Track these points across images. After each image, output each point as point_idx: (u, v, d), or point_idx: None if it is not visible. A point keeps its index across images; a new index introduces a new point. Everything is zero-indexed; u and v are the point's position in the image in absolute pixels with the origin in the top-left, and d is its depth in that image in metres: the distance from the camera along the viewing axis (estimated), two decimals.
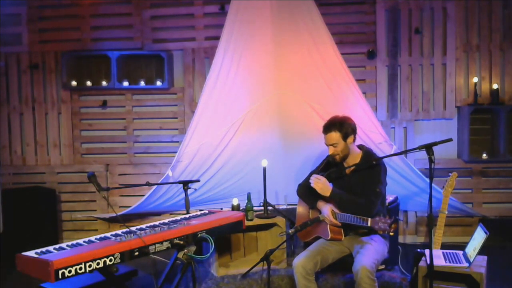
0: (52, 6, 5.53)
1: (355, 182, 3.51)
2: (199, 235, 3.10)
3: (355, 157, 3.56)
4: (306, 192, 3.69)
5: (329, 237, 3.47)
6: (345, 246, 3.54)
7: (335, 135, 3.48)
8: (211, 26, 5.38)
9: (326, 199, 3.52)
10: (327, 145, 3.54)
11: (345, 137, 3.49)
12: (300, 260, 3.35)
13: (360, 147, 3.65)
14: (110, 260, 2.63)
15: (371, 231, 3.48)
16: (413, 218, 5.35)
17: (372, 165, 3.46)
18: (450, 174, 4.18)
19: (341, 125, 3.49)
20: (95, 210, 5.58)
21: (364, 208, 3.33)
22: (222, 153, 4.62)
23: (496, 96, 5.10)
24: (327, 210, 3.47)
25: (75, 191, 5.60)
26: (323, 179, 3.44)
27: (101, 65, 5.43)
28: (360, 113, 4.38)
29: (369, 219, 3.21)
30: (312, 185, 3.45)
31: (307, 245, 3.67)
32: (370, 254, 3.28)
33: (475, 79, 5.16)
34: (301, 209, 3.86)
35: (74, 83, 5.43)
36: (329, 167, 3.62)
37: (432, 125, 5.31)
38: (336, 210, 3.45)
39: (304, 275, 3.32)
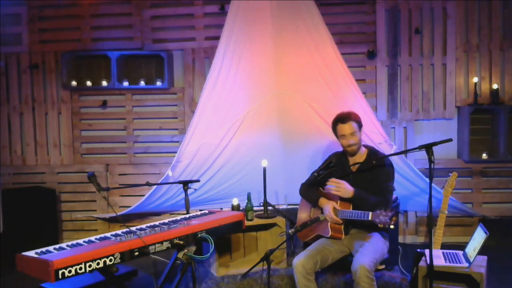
0: (52, 6, 5.53)
1: (362, 180, 3.53)
2: (199, 235, 3.10)
3: (362, 155, 3.62)
4: (308, 191, 3.74)
5: (329, 234, 3.48)
6: (345, 245, 3.54)
7: (354, 124, 3.53)
8: (211, 26, 5.38)
9: (328, 197, 3.55)
10: (345, 136, 3.53)
11: (360, 128, 3.57)
12: (300, 260, 3.35)
13: (365, 146, 3.70)
14: (110, 260, 2.63)
15: (371, 230, 3.49)
16: (413, 218, 5.36)
17: (381, 163, 3.51)
18: (450, 174, 4.18)
19: (355, 116, 3.58)
20: (95, 210, 5.58)
21: (382, 206, 3.35)
22: (222, 153, 4.62)
23: (496, 96, 5.10)
24: (329, 207, 3.48)
25: (75, 191, 5.60)
26: (343, 182, 3.42)
27: (101, 65, 5.43)
28: (360, 113, 4.33)
29: (370, 213, 3.22)
30: (332, 191, 3.42)
31: (306, 245, 3.67)
32: (369, 253, 3.29)
33: (475, 79, 5.16)
34: (302, 215, 3.87)
35: (74, 83, 5.43)
36: (332, 166, 3.63)
37: (432, 125, 5.31)
38: (338, 207, 3.46)
39: (304, 275, 3.32)
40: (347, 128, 3.53)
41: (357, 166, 3.59)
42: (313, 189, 3.72)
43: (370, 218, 3.22)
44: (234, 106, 4.53)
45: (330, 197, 3.56)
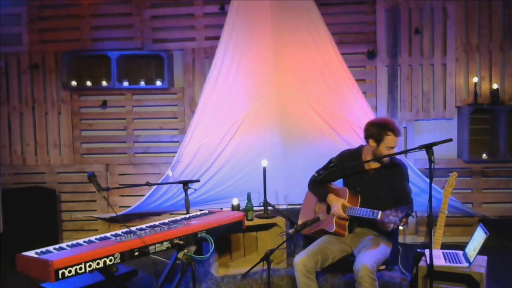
0: (52, 6, 5.53)
1: (378, 179, 3.55)
2: (199, 235, 3.10)
3: None
4: (318, 186, 3.74)
5: (333, 230, 3.49)
6: (347, 244, 3.55)
7: None
8: (211, 26, 5.38)
9: (337, 194, 3.58)
10: (392, 148, 3.48)
11: None
12: (301, 258, 3.36)
13: None
14: (110, 260, 2.63)
15: (377, 229, 3.49)
16: (413, 218, 5.35)
17: (398, 164, 3.56)
18: (450, 174, 4.18)
19: None
20: (95, 210, 5.57)
21: (412, 209, 3.48)
22: (222, 153, 4.62)
23: (496, 96, 5.10)
24: (338, 204, 3.49)
25: (75, 191, 5.60)
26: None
27: (101, 65, 5.43)
28: (360, 113, 4.37)
29: (380, 212, 3.22)
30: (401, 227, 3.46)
31: (307, 244, 3.68)
32: (372, 253, 3.30)
33: (475, 79, 5.16)
34: (306, 210, 3.88)
35: (74, 83, 5.43)
36: (332, 166, 3.62)
37: (432, 125, 5.32)
38: (348, 204, 3.47)
39: (305, 273, 3.32)
40: (396, 141, 3.48)
41: (374, 167, 3.58)
42: (322, 184, 3.72)
43: (379, 217, 3.21)
44: (234, 106, 4.53)
45: (339, 194, 3.57)
